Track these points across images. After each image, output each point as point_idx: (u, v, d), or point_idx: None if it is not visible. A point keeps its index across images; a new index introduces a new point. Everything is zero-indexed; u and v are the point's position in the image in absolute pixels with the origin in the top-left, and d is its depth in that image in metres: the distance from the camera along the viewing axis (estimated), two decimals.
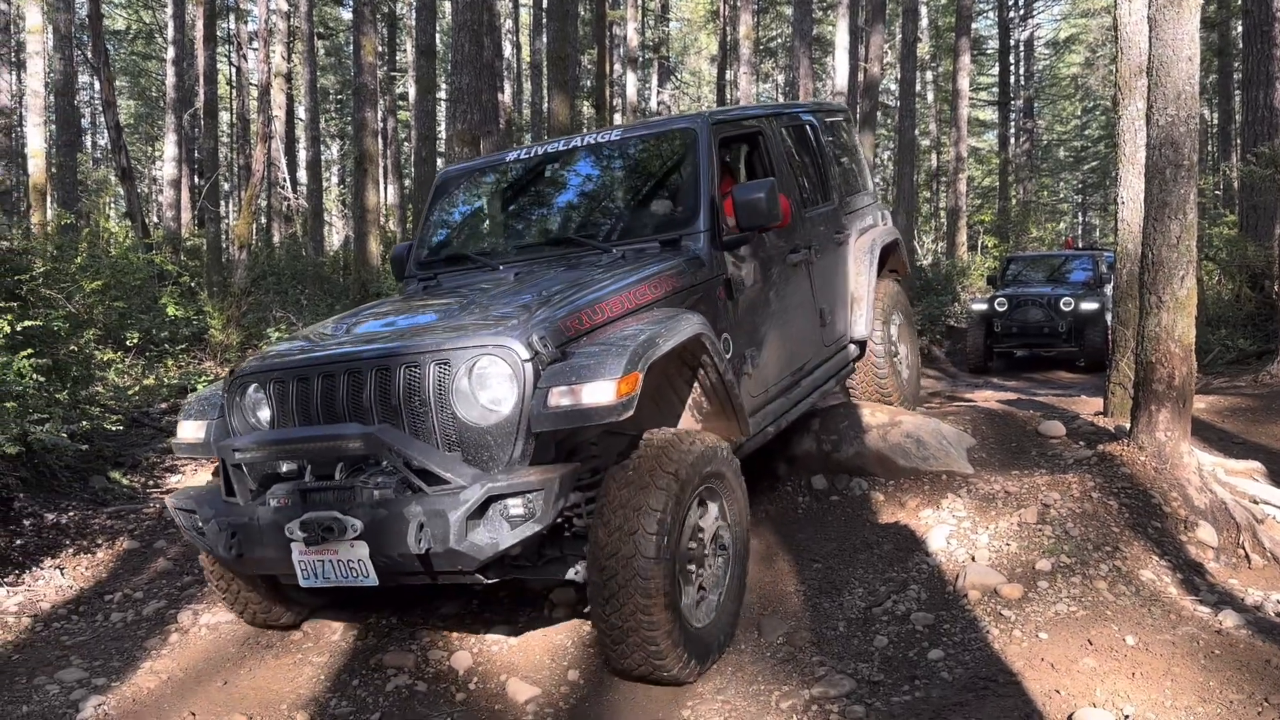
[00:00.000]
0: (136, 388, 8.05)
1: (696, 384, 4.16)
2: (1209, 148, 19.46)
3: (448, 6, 23.00)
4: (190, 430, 4.11)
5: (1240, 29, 14.26)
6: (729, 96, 29.35)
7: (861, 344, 5.96)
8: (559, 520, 3.55)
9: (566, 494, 3.39)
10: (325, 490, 3.54)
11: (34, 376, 5.37)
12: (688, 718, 3.61)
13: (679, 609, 3.54)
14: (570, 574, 3.71)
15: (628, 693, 3.81)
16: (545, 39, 21.63)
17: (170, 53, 21.92)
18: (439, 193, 5.57)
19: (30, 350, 5.51)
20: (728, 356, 4.28)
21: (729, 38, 27.10)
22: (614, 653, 3.52)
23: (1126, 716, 3.26)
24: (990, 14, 34.74)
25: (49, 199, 15.56)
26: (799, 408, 5.13)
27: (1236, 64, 16.94)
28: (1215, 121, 20.11)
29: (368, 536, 3.33)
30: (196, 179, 22.02)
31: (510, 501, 3.25)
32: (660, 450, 3.56)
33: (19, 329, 5.56)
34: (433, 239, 5.43)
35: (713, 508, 3.91)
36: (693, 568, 3.75)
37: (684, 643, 3.54)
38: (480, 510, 3.25)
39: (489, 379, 3.46)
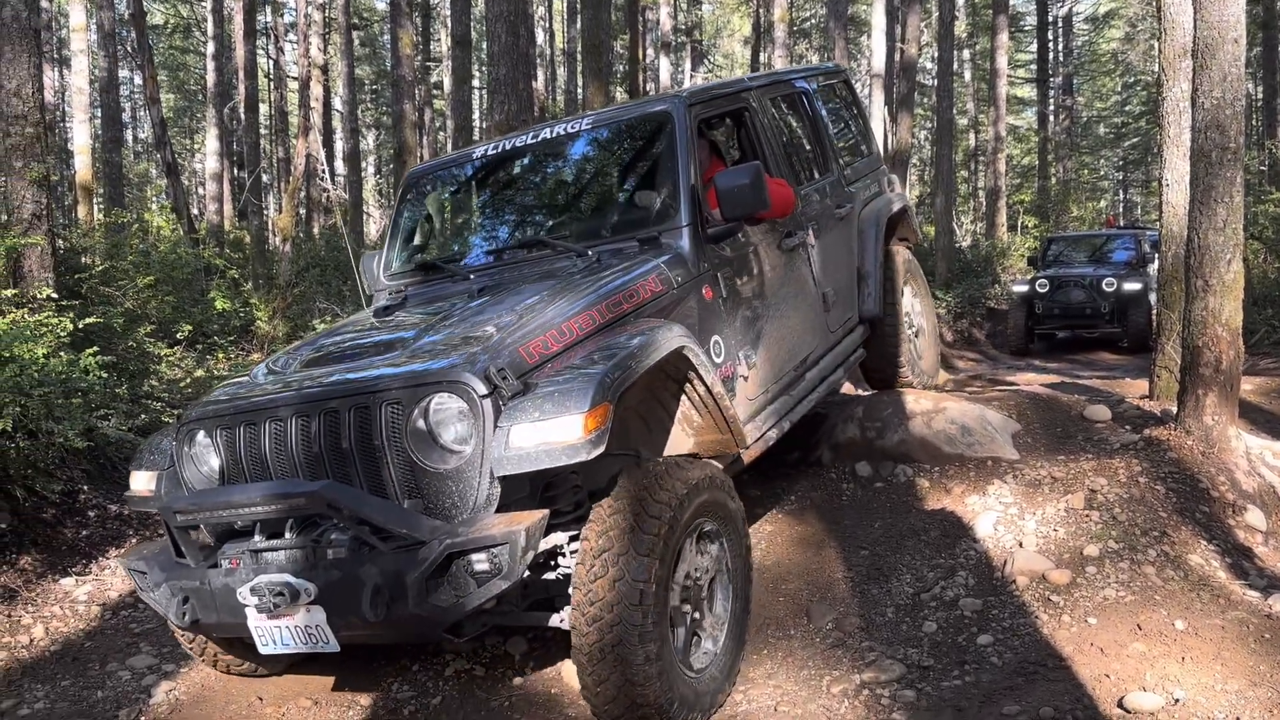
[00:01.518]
0: (188, 380, 8.19)
1: (685, 397, 3.77)
2: (1254, 122, 19.13)
3: None
4: (141, 482, 3.78)
5: None
6: None
7: (873, 322, 5.56)
8: (541, 561, 3.29)
9: (536, 545, 3.01)
10: (277, 550, 3.21)
11: (98, 373, 5.51)
12: (740, 701, 3.64)
13: (671, 660, 3.22)
14: (555, 620, 3.36)
15: None
16: (580, 26, 21.66)
17: (210, 47, 22.15)
18: (406, 194, 5.10)
19: (95, 348, 5.65)
20: (720, 360, 4.01)
21: (763, 20, 26.86)
22: (596, 703, 3.18)
23: (1177, 700, 3.26)
24: None
25: (94, 195, 15.81)
26: (805, 403, 4.76)
27: (1277, 41, 16.63)
28: (1260, 96, 19.75)
29: (323, 601, 3.04)
30: (237, 171, 22.30)
31: (474, 557, 2.92)
32: (646, 486, 3.22)
33: (81, 326, 5.70)
34: (401, 246, 4.97)
35: (710, 544, 3.60)
36: (688, 609, 3.45)
37: (676, 694, 3.20)
38: (440, 569, 2.94)
39: (444, 419, 3.13)
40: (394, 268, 4.87)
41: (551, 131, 4.74)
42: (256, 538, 3.24)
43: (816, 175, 5.39)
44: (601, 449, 2.97)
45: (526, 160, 4.93)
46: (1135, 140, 35.22)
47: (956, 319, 16.26)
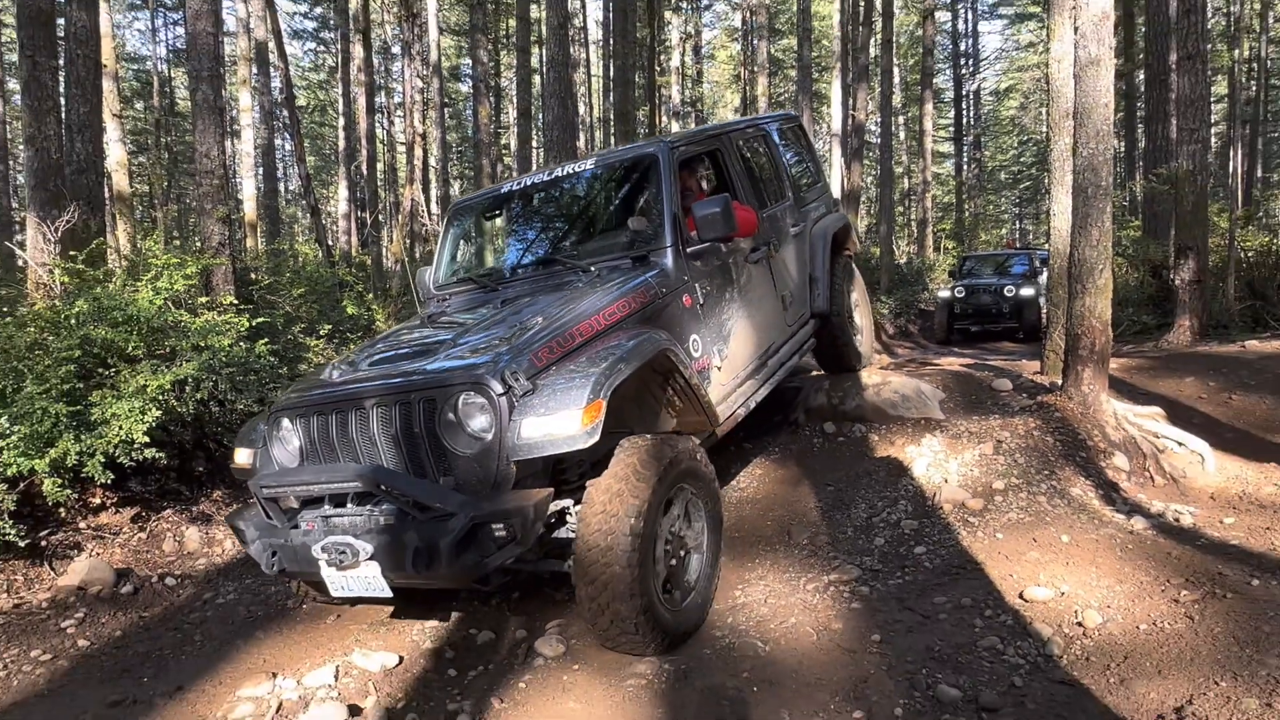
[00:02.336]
0: None
1: (669, 387, 3.59)
2: (1118, 169, 18.89)
3: (538, 79, 23.07)
4: (241, 457, 3.61)
5: (1143, 77, 13.85)
6: None
7: (823, 317, 5.19)
8: (553, 522, 3.14)
9: (543, 516, 2.89)
10: (342, 517, 3.11)
11: (268, 358, 5.61)
12: (739, 595, 3.68)
13: (653, 595, 3.03)
14: (566, 566, 3.16)
15: None
16: (612, 99, 21.63)
17: (340, 121, 22.36)
18: (450, 222, 4.77)
19: (264, 340, 5.75)
20: (697, 355, 3.80)
21: (748, 95, 26.75)
22: (594, 628, 3.06)
23: (1063, 593, 3.31)
24: (947, 71, 33.94)
25: (258, 229, 15.98)
26: (768, 385, 4.49)
27: (1139, 104, 16.40)
28: (1123, 149, 19.50)
29: (377, 558, 2.93)
30: (360, 212, 22.44)
31: (494, 526, 2.81)
32: (636, 458, 3.06)
33: (253, 324, 5.81)
34: (446, 264, 4.64)
35: (685, 505, 3.36)
36: (670, 555, 3.23)
37: (657, 623, 3.03)
38: (468, 536, 2.82)
39: (470, 413, 2.98)
40: (440, 280, 4.58)
41: (564, 170, 4.50)
42: (326, 507, 3.17)
43: (776, 200, 5.06)
44: (596, 438, 2.84)
45: (543, 193, 4.63)
46: (1027, 184, 34.92)
47: (896, 317, 16.17)
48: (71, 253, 5.51)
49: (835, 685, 2.89)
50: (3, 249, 9.41)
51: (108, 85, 11.40)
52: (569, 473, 3.33)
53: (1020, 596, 3.33)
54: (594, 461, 3.26)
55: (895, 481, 4.58)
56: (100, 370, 4.82)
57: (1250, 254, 11.34)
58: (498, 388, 2.89)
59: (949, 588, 3.48)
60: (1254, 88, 28.21)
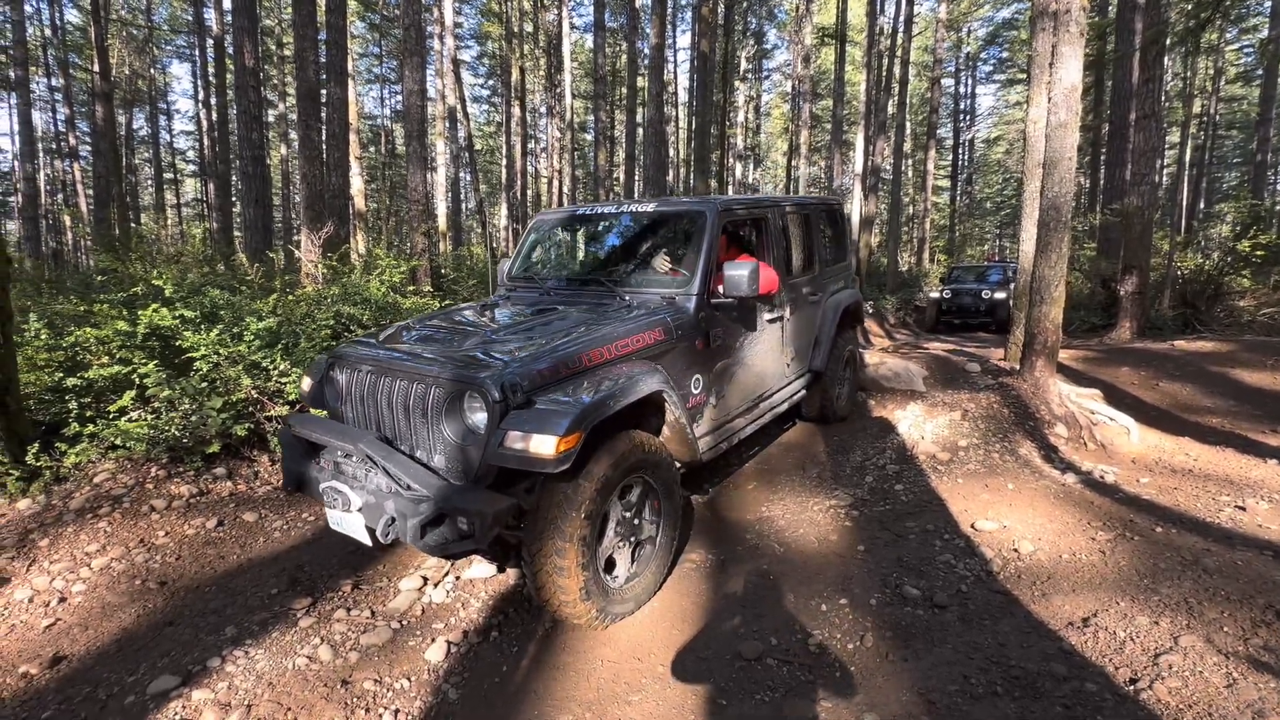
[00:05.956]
0: None
1: (663, 417, 2.91)
2: (1081, 201, 17.34)
3: (640, 131, 22.87)
4: (305, 384, 2.98)
5: (1107, 130, 12.59)
6: (792, 176, 28.05)
7: (818, 374, 4.41)
8: (516, 517, 2.50)
9: (502, 521, 2.26)
10: (349, 466, 2.62)
11: None
12: (764, 511, 3.57)
13: (595, 572, 2.47)
14: (516, 539, 2.59)
15: (728, 500, 3.68)
16: (693, 146, 21.25)
17: (504, 161, 22.74)
18: (530, 230, 4.06)
19: None
20: (696, 392, 3.11)
21: (794, 143, 25.74)
22: (539, 595, 2.46)
23: (1005, 526, 3.21)
24: (948, 123, 31.75)
25: (447, 237, 16.58)
26: (756, 424, 3.66)
27: (1102, 150, 14.93)
28: (1087, 186, 17.84)
29: (364, 512, 2.42)
30: (515, 225, 22.95)
31: (459, 517, 2.26)
32: (602, 453, 2.47)
33: (443, 304, 5.97)
34: (519, 261, 3.94)
35: (643, 493, 2.72)
36: (622, 540, 2.64)
37: (596, 598, 2.47)
38: (435, 520, 2.29)
39: (469, 410, 2.40)
40: (513, 274, 3.89)
41: (630, 206, 3.77)
42: (339, 454, 2.67)
43: (802, 271, 4.26)
44: (567, 465, 2.23)
45: (608, 222, 3.86)
46: (1007, 211, 32.42)
47: (897, 310, 15.44)
48: (328, 254, 5.82)
49: (829, 579, 2.89)
50: (287, 250, 10.07)
51: (352, 137, 11.97)
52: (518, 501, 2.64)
53: (972, 526, 3.24)
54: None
55: (884, 436, 4.48)
56: (345, 333, 5.01)
57: (1185, 271, 10.32)
58: (496, 394, 2.32)
59: (918, 516, 3.41)
60: (1202, 137, 25.24)
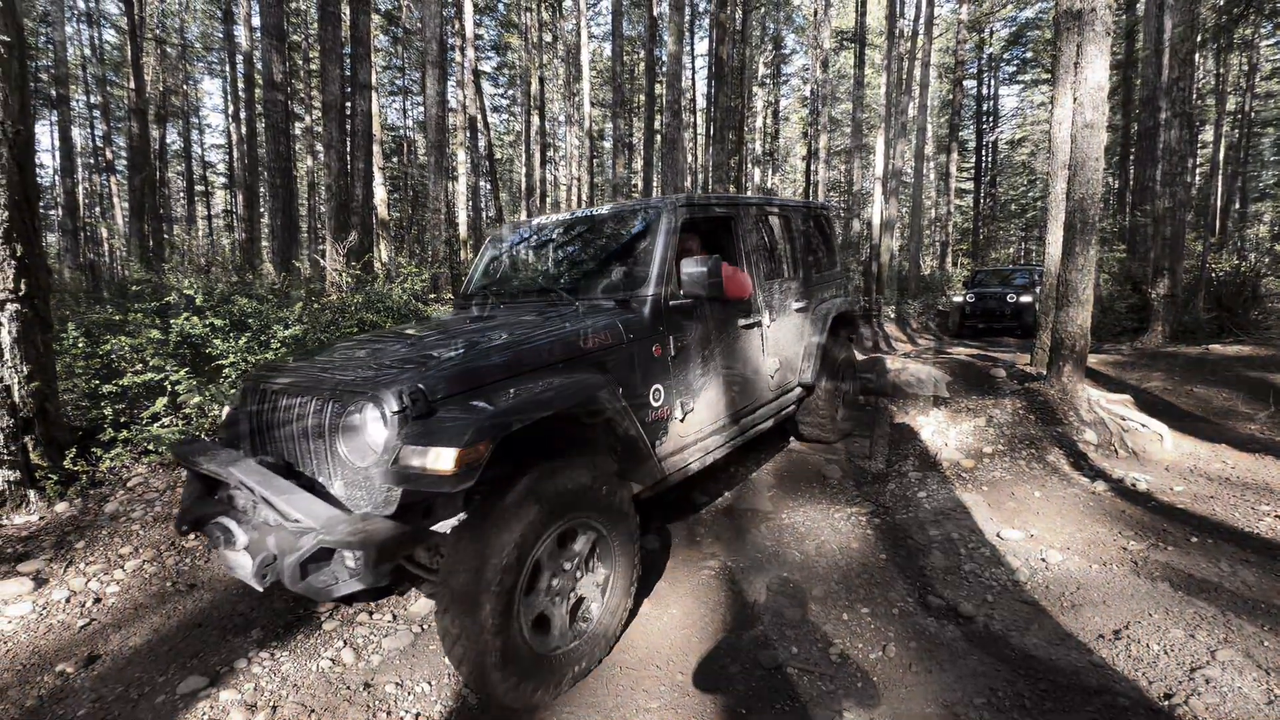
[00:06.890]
0: None
1: (613, 432, 2.50)
2: (1110, 203, 16.95)
3: (658, 138, 22.98)
4: (225, 412, 2.56)
5: (1136, 129, 12.30)
6: (812, 180, 27.91)
7: (808, 388, 4.10)
8: (430, 550, 2.23)
9: (389, 557, 1.86)
10: (241, 496, 2.24)
11: None
12: (784, 518, 3.54)
13: (517, 636, 2.03)
14: (429, 587, 2.40)
15: (747, 506, 3.64)
16: (710, 152, 21.29)
17: (523, 169, 23.00)
18: (488, 245, 3.78)
19: None
20: (657, 404, 2.75)
21: (813, 146, 25.63)
22: (449, 655, 2.02)
23: (1032, 535, 3.14)
24: (970, 124, 31.33)
25: (467, 244, 16.80)
26: (734, 442, 3.29)
27: (1131, 149, 14.58)
28: (1116, 186, 17.44)
29: (250, 550, 2.06)
30: None
31: (346, 553, 1.91)
32: (525, 485, 2.07)
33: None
34: (476, 277, 3.62)
35: (592, 542, 2.31)
36: (554, 589, 2.19)
37: (516, 667, 2.03)
38: (316, 557, 1.93)
39: (365, 424, 2.04)
40: (468, 290, 3.57)
41: (584, 212, 3.46)
42: (232, 485, 2.20)
43: (783, 276, 3.90)
44: (470, 482, 1.85)
45: (563, 229, 3.53)
46: (1033, 214, 31.83)
47: (919, 315, 15.25)
48: (352, 263, 5.95)
49: (851, 587, 2.86)
50: (312, 259, 10.28)
51: (375, 149, 12.21)
52: (475, 492, 2.23)
53: (997, 535, 3.17)
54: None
55: (907, 442, 4.41)
56: None
57: (1220, 274, 10.02)
58: (393, 405, 1.97)
59: (942, 524, 3.35)
60: (1237, 135, 24.54)
